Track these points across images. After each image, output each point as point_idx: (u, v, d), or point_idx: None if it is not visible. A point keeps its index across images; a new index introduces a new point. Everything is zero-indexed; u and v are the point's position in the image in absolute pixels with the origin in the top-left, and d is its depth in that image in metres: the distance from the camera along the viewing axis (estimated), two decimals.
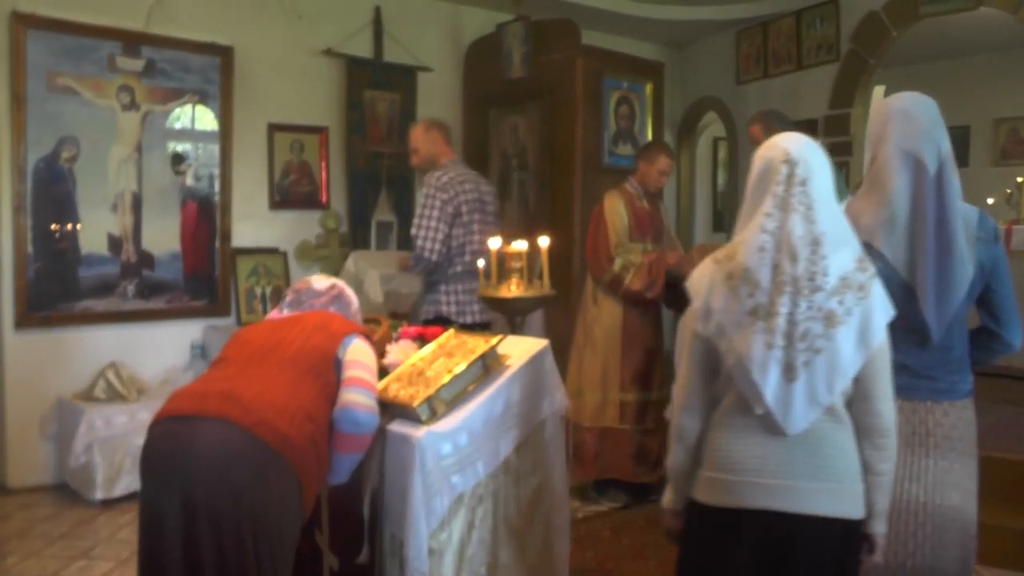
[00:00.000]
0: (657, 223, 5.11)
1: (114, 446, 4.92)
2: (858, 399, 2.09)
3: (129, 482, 4.94)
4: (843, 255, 2.05)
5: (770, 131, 4.52)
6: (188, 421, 2.31)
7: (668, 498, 2.32)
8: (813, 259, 2.01)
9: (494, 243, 3.61)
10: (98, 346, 5.32)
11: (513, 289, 4.08)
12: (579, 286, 5.30)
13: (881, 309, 2.06)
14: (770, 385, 2.00)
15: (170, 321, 5.62)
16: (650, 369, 5.02)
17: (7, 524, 4.58)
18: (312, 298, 2.93)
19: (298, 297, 2.94)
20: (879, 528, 2.15)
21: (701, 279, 2.15)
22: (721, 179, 9.22)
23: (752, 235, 2.08)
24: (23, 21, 5.00)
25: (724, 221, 8.66)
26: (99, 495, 4.86)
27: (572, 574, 3.44)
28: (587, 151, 6.07)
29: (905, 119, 2.48)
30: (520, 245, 4.02)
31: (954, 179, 2.46)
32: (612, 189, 5.09)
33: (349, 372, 2.58)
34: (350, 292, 3.03)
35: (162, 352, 5.59)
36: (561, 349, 4.52)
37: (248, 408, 2.32)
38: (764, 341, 2.00)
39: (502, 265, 4.00)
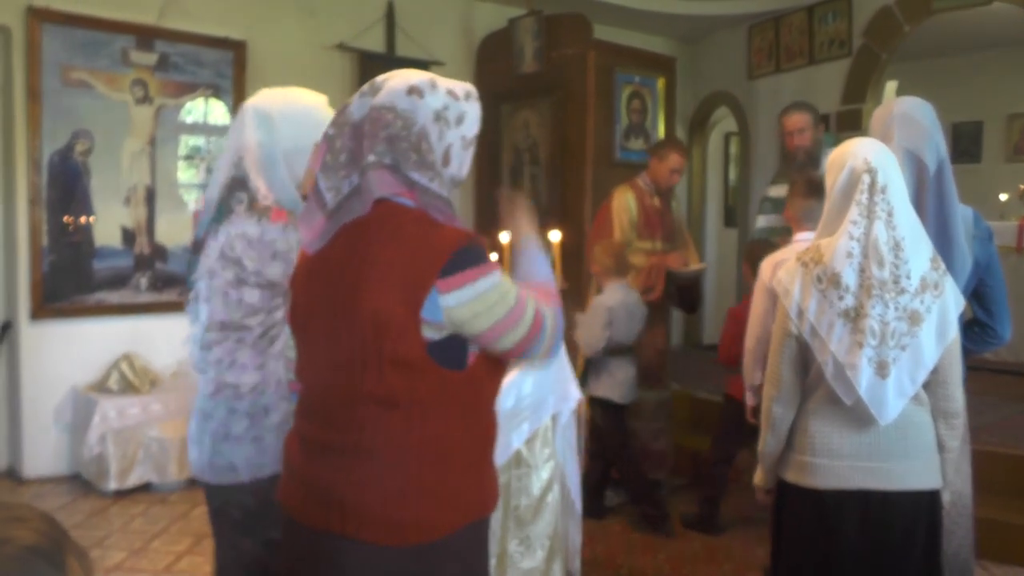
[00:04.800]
0: (668, 222, 5.06)
1: (127, 437, 4.96)
2: (934, 384, 2.27)
3: (142, 473, 4.98)
4: (921, 256, 2.24)
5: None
6: (308, 537, 1.75)
7: (760, 477, 2.52)
8: (896, 263, 2.20)
9: (504, 237, 3.62)
10: (112, 338, 5.36)
11: None
12: (590, 280, 5.31)
13: (954, 303, 2.26)
14: (864, 381, 2.18)
15: (183, 313, 5.60)
16: (660, 367, 5.02)
17: None
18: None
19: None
20: (946, 496, 2.37)
21: (791, 281, 2.30)
22: (732, 174, 9.19)
23: (840, 241, 2.23)
24: (38, 15, 5.03)
25: (735, 216, 8.64)
26: (112, 486, 4.90)
27: (583, 567, 3.45)
28: (599, 146, 6.08)
29: (907, 122, 2.68)
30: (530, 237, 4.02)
31: (952, 179, 2.66)
32: (623, 184, 5.07)
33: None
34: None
35: (175, 344, 5.57)
36: (573, 342, 4.53)
37: (374, 514, 1.68)
38: (856, 341, 2.18)
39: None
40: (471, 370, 1.72)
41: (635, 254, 4.89)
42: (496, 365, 1.79)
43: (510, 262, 1.90)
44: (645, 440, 4.97)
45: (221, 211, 2.24)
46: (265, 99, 2.32)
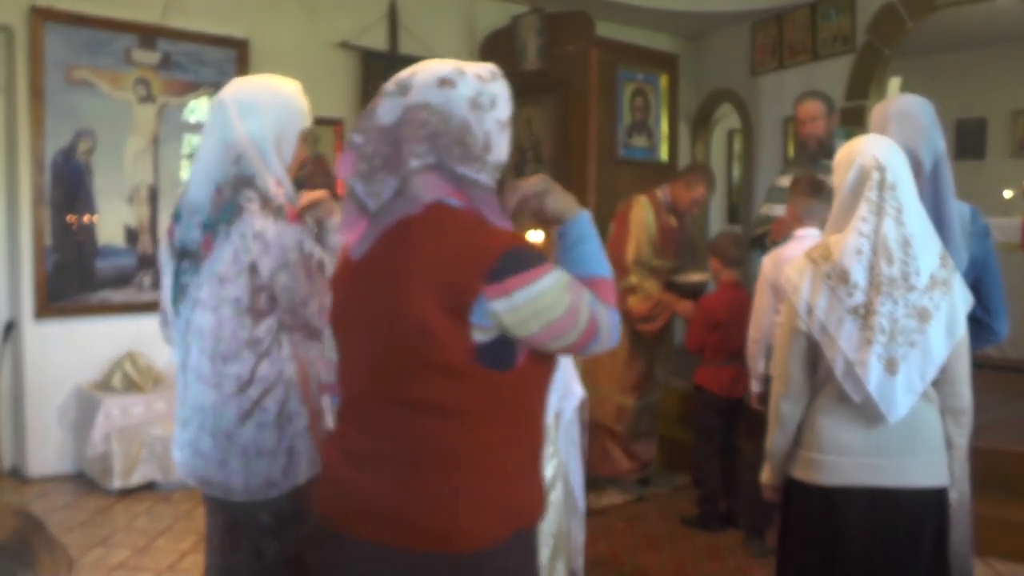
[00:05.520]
0: (681, 240, 5.05)
1: (131, 436, 4.97)
2: (942, 381, 2.27)
3: (145, 472, 4.99)
4: (930, 253, 2.24)
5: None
6: (353, 548, 1.69)
7: (767, 475, 2.50)
8: (906, 260, 2.20)
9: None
10: (115, 336, 5.37)
11: None
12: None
13: (962, 301, 2.26)
14: (873, 379, 2.17)
15: None
16: (647, 379, 5.09)
17: None
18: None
19: None
20: (953, 494, 2.35)
21: (800, 277, 2.29)
22: (736, 172, 9.18)
23: (849, 238, 2.23)
24: (41, 15, 5.04)
25: (739, 213, 8.63)
26: (116, 484, 4.91)
27: (586, 565, 3.45)
28: (601, 143, 6.07)
29: (904, 119, 2.70)
30: (537, 236, 4.03)
31: (949, 176, 2.67)
32: (642, 194, 5.02)
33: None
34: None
35: None
36: None
37: (419, 524, 1.62)
38: (865, 338, 2.17)
39: None
40: (520, 370, 1.65)
41: (648, 277, 4.90)
42: (546, 362, 1.72)
43: (556, 253, 1.81)
44: (626, 441, 5.07)
45: (230, 211, 2.15)
46: (244, 90, 2.28)
